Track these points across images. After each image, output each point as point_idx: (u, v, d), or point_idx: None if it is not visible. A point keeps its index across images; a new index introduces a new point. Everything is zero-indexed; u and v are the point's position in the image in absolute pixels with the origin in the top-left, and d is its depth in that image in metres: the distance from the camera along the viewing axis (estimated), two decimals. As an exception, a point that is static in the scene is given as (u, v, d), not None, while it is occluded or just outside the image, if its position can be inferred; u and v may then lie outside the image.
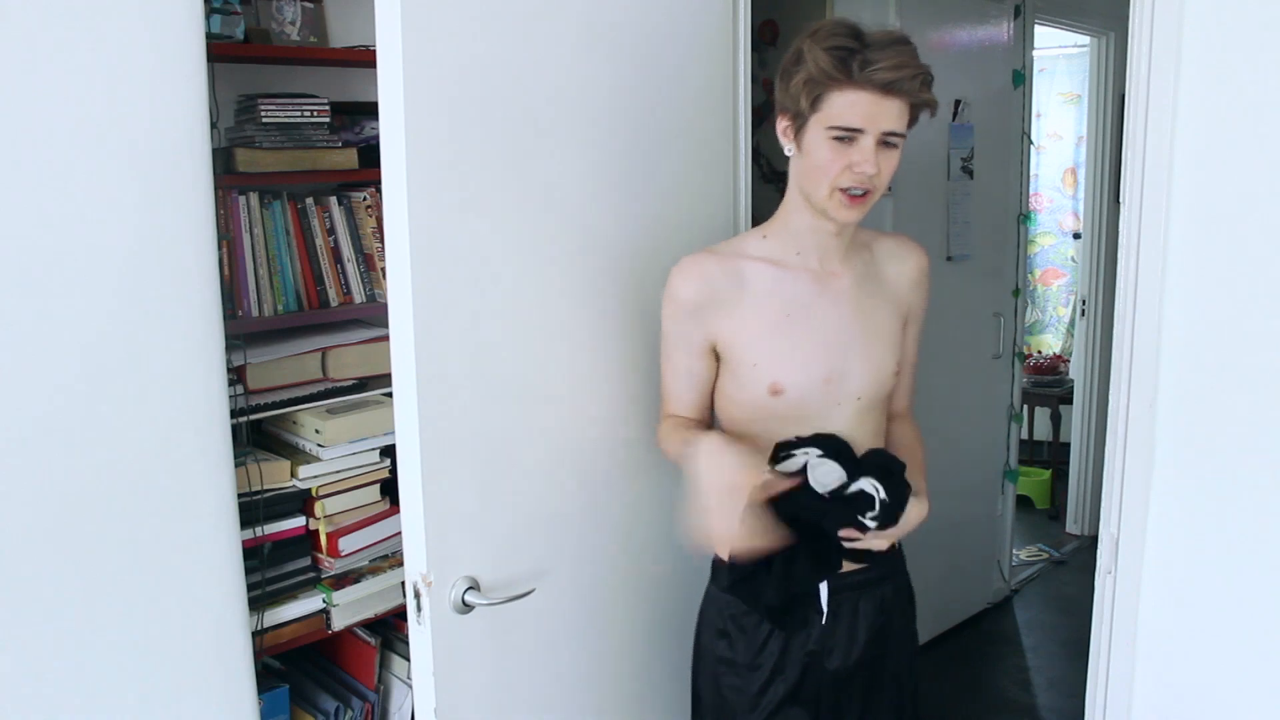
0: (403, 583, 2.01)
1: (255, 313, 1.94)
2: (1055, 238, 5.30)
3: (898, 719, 1.59)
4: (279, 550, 1.87)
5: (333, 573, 1.94)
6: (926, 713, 1.73)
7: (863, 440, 1.45)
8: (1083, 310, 4.35)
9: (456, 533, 1.37)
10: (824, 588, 1.48)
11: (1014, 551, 3.93)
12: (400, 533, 2.02)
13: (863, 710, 1.55)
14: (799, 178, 1.41)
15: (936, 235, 3.08)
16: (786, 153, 1.42)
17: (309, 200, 2.02)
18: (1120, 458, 1.55)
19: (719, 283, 1.43)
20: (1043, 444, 4.89)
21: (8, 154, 1.30)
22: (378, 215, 2.11)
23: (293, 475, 1.89)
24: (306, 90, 2.04)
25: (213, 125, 1.51)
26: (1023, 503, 4.45)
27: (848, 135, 1.33)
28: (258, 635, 1.77)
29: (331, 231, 2.06)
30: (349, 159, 2.05)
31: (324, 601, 1.92)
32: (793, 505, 1.34)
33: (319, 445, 1.90)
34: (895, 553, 1.56)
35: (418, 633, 1.35)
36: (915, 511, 1.41)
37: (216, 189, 1.53)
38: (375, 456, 2.00)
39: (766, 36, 3.30)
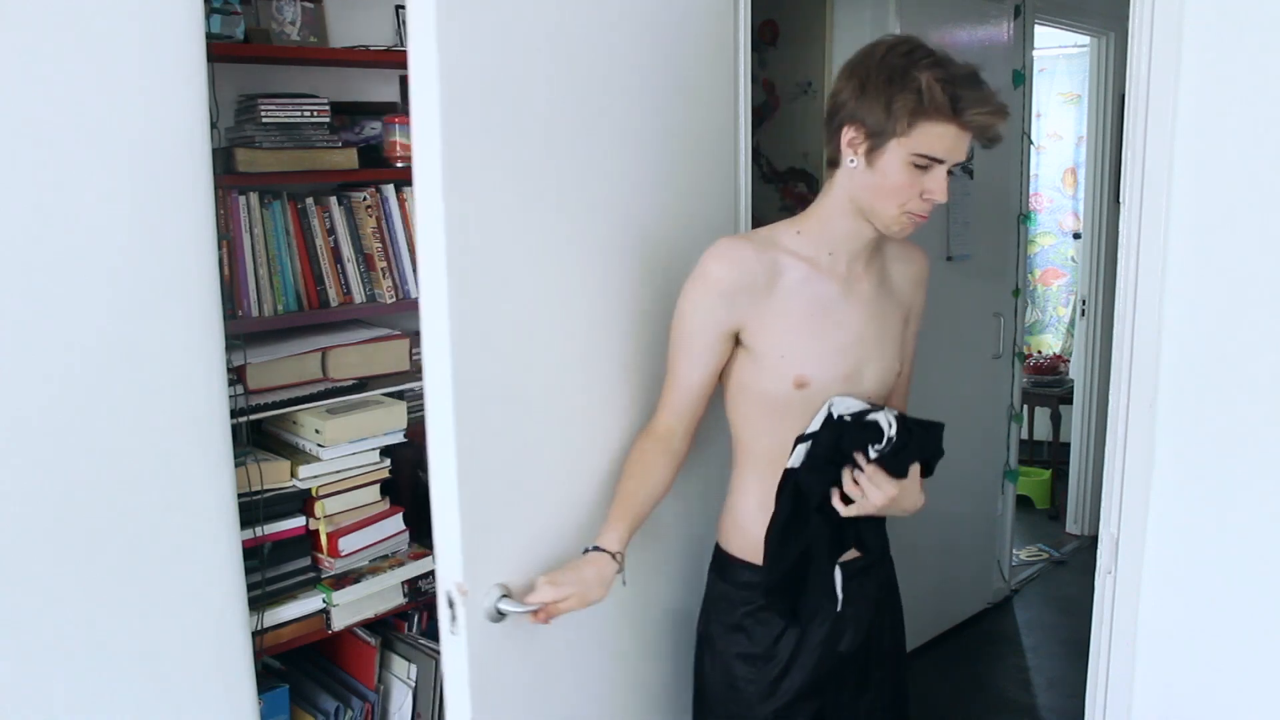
0: (403, 583, 2.02)
1: (255, 313, 1.94)
2: (1055, 238, 5.30)
3: (896, 692, 1.64)
4: (279, 550, 1.87)
5: (333, 573, 1.94)
6: (926, 713, 1.75)
7: None
8: (1083, 310, 4.35)
9: (489, 540, 1.34)
10: (839, 575, 1.51)
11: (1014, 551, 3.93)
12: (400, 533, 2.04)
13: (864, 687, 1.59)
14: (859, 190, 1.42)
15: (936, 235, 3.08)
16: (849, 163, 1.42)
17: (309, 200, 2.02)
18: (1120, 458, 1.55)
19: (755, 270, 1.44)
20: (1043, 444, 4.89)
21: (7, 154, 1.30)
22: (378, 215, 2.11)
23: (293, 475, 1.89)
24: (306, 90, 2.04)
25: (213, 125, 1.51)
26: (1023, 503, 4.45)
27: (928, 164, 1.36)
28: (258, 635, 1.77)
29: (331, 231, 2.06)
30: (349, 159, 2.05)
31: (324, 601, 1.92)
32: (823, 448, 1.42)
33: (319, 445, 1.90)
34: (883, 534, 1.59)
35: (452, 643, 1.30)
36: (912, 495, 1.43)
37: (216, 189, 1.53)
38: (375, 456, 2.00)
39: (766, 37, 3.30)
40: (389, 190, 2.14)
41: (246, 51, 1.94)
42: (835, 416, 1.42)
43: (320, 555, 1.93)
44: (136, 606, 1.47)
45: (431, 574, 2.06)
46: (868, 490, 1.40)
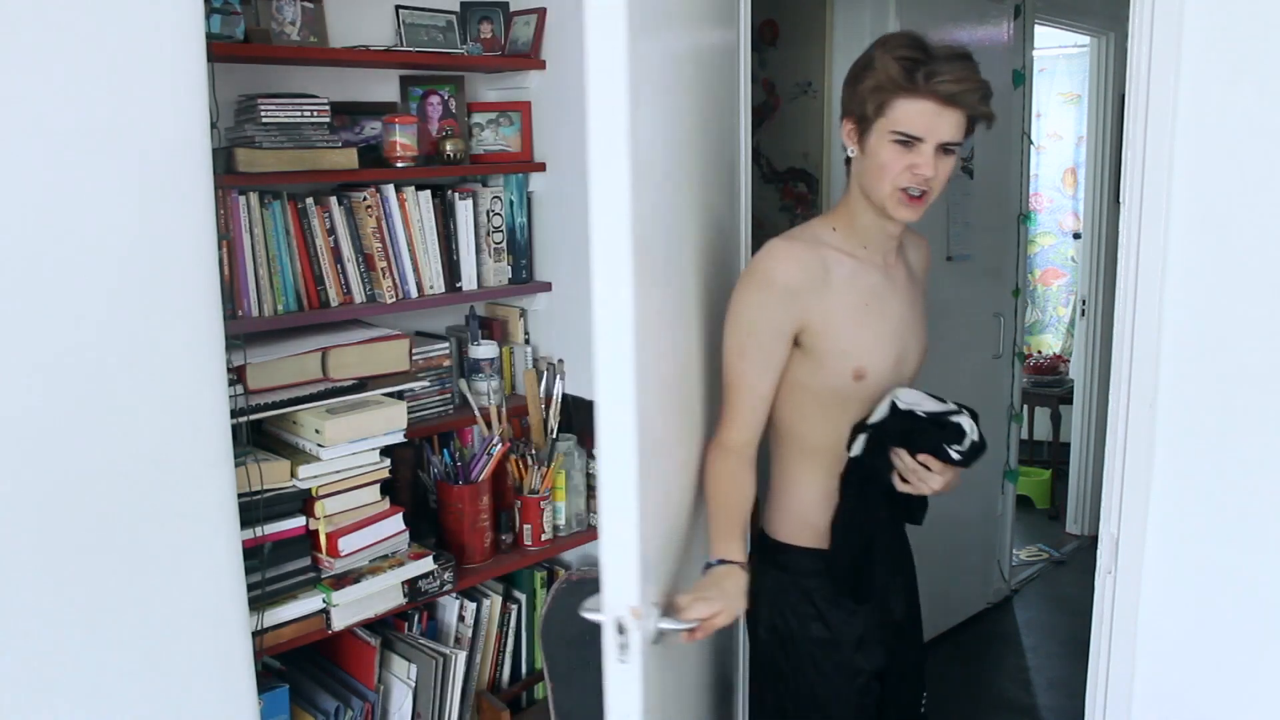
0: (403, 583, 2.02)
1: (255, 313, 1.94)
2: (1055, 238, 5.30)
3: (922, 648, 1.82)
4: (279, 550, 1.87)
5: (333, 573, 1.94)
6: (926, 713, 1.78)
7: None
8: (1083, 310, 4.35)
9: (649, 558, 1.28)
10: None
11: (1014, 551, 3.93)
12: (400, 533, 2.04)
13: (910, 647, 1.73)
14: (860, 177, 1.50)
15: (937, 235, 3.08)
16: (849, 154, 1.50)
17: (309, 200, 2.02)
18: (1120, 458, 1.55)
19: (812, 268, 1.48)
20: (1043, 444, 4.89)
21: (8, 154, 1.30)
22: (378, 215, 2.11)
23: (293, 475, 1.89)
24: (306, 90, 2.04)
25: (213, 125, 1.51)
26: (1023, 503, 4.45)
27: (909, 140, 1.43)
28: (258, 635, 1.77)
29: (331, 231, 2.06)
30: (349, 159, 2.05)
31: (324, 601, 1.92)
32: (887, 436, 1.50)
33: (319, 445, 1.90)
34: (926, 504, 1.68)
35: (622, 672, 1.21)
36: (956, 477, 1.53)
37: (216, 189, 1.53)
38: (375, 456, 1.99)
39: (766, 37, 3.30)
40: (389, 190, 2.14)
41: (246, 51, 1.94)
42: (902, 408, 1.50)
43: (320, 555, 1.93)
44: (136, 606, 1.46)
45: (431, 574, 2.06)
46: (927, 478, 1.49)
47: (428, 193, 2.22)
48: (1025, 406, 4.32)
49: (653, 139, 1.30)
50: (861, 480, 1.53)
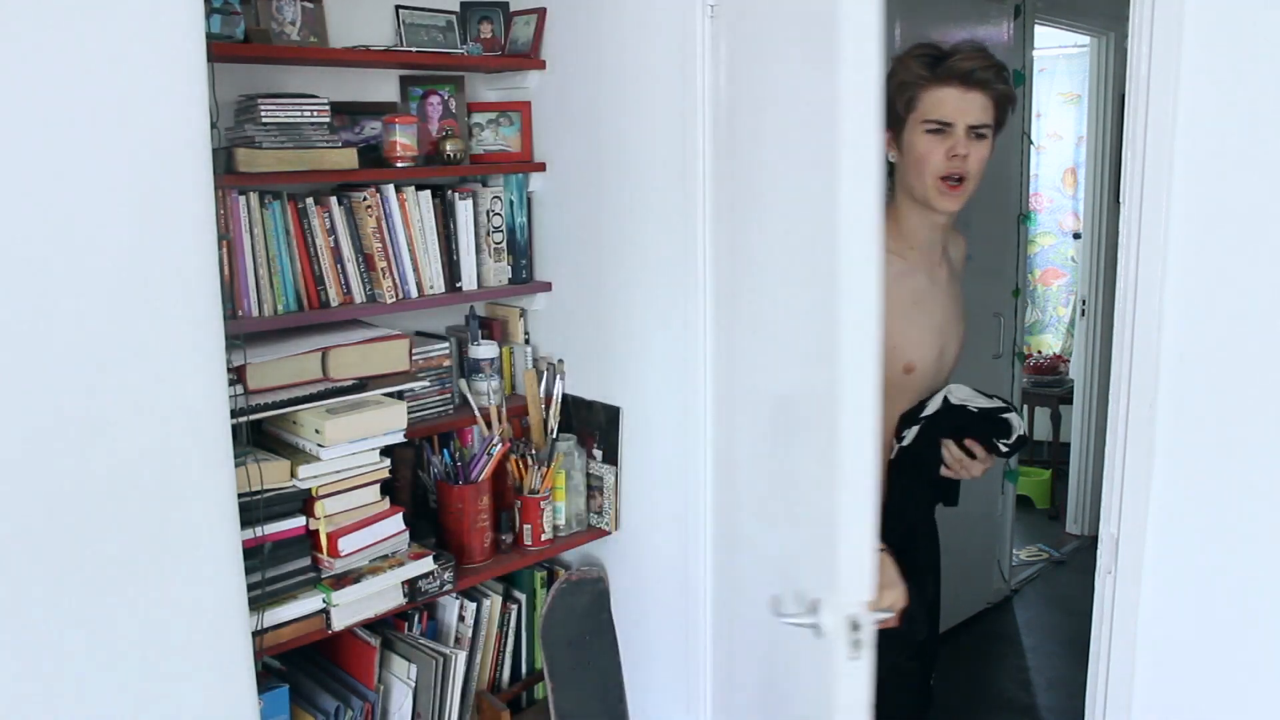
0: (403, 583, 2.02)
1: (255, 313, 1.94)
2: (1055, 238, 5.30)
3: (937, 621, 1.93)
4: (279, 550, 1.87)
5: (333, 573, 1.94)
6: (933, 686, 1.92)
7: None
8: (1083, 310, 4.35)
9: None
10: None
11: (1014, 551, 3.93)
12: (400, 533, 2.04)
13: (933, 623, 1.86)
14: (903, 176, 1.63)
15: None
16: (890, 159, 1.64)
17: (309, 200, 2.02)
18: (1120, 458, 1.55)
19: None
20: (1043, 444, 4.89)
21: (7, 154, 1.30)
22: (378, 215, 2.11)
23: (293, 475, 1.89)
24: (306, 90, 2.04)
25: (213, 125, 1.51)
26: (1023, 503, 4.45)
27: (941, 128, 1.56)
28: (258, 635, 1.77)
29: (331, 231, 2.06)
30: (349, 159, 2.05)
31: (324, 601, 1.92)
32: (938, 428, 1.67)
33: (319, 445, 1.90)
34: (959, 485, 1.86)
35: (854, 670, 1.22)
36: (990, 464, 1.71)
37: (216, 189, 1.53)
38: (375, 456, 1.99)
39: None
40: (389, 190, 2.14)
41: (246, 51, 1.94)
42: (955, 403, 1.68)
43: (320, 555, 1.93)
44: (136, 606, 1.46)
45: (431, 574, 2.06)
46: (970, 466, 1.68)
47: (428, 193, 2.22)
48: (1025, 406, 4.32)
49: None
50: (910, 467, 1.65)
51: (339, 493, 1.94)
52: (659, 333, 2.14)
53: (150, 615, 1.48)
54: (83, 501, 1.40)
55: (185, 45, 1.43)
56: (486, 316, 2.52)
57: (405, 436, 2.04)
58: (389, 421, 2.00)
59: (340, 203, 2.07)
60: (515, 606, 2.39)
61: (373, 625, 2.06)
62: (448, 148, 2.27)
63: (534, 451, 2.33)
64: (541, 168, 2.39)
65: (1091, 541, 4.10)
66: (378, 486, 2.02)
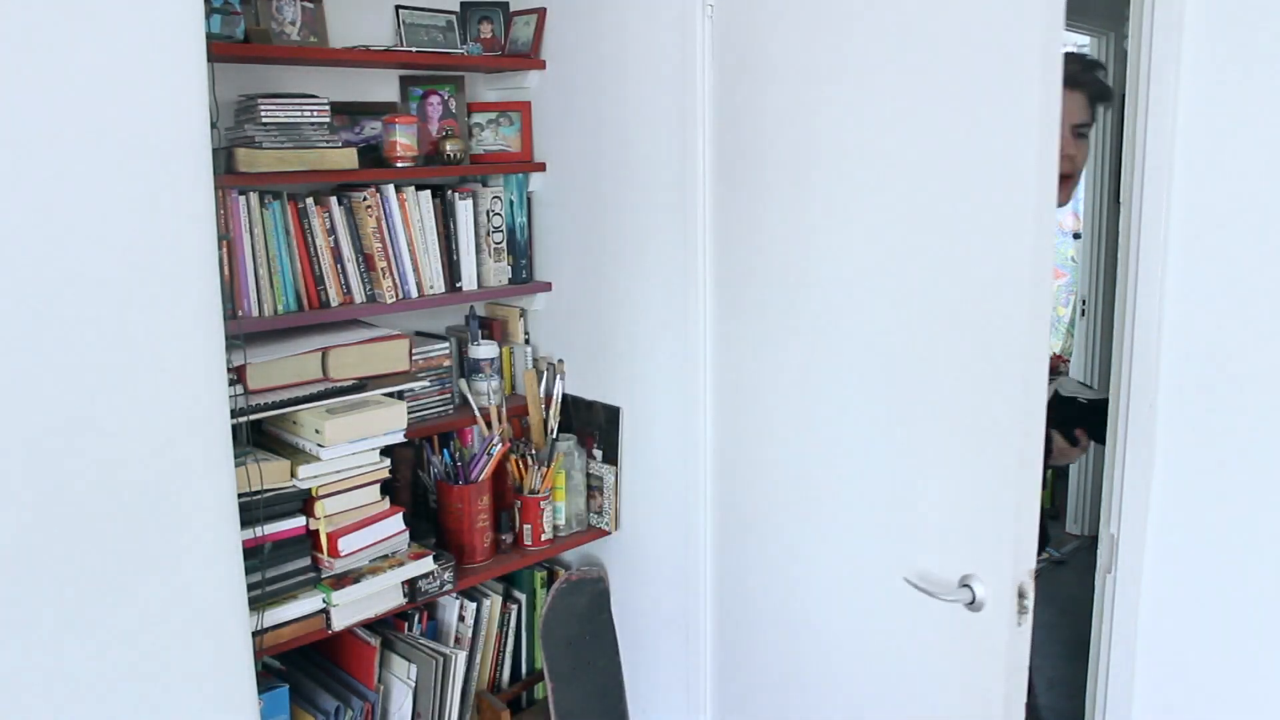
0: (403, 583, 2.02)
1: (255, 313, 1.94)
2: (1055, 238, 5.30)
3: None
4: (279, 550, 1.87)
5: (333, 573, 1.94)
6: None
7: None
8: (1083, 310, 4.35)
9: None
10: None
11: (1014, 551, 3.92)
12: (400, 533, 2.04)
13: None
14: None
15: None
16: None
17: (309, 200, 2.02)
18: (1120, 457, 1.55)
19: None
20: (1043, 444, 4.89)
21: (7, 154, 1.30)
22: (378, 215, 2.11)
23: (293, 475, 1.89)
24: (306, 90, 2.04)
25: (213, 125, 1.51)
26: (1023, 503, 4.44)
27: None
28: (258, 635, 1.77)
29: (331, 231, 2.06)
30: (349, 159, 2.05)
31: (324, 601, 1.92)
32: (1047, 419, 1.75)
33: (319, 445, 1.90)
34: None
35: (1017, 636, 1.40)
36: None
37: (216, 189, 1.53)
38: (375, 456, 1.99)
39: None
40: (389, 190, 2.14)
41: (246, 51, 1.94)
42: (1065, 395, 1.87)
43: (320, 555, 1.93)
44: (136, 606, 1.46)
45: (431, 574, 2.06)
46: (1071, 454, 1.87)
47: (428, 193, 2.22)
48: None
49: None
50: None
51: (339, 493, 1.94)
52: (659, 333, 2.14)
53: (150, 615, 1.48)
54: (82, 501, 1.40)
55: (185, 45, 1.43)
56: (486, 316, 2.52)
57: (405, 436, 2.04)
58: (389, 421, 2.00)
59: (340, 203, 2.07)
60: (515, 606, 2.39)
61: (373, 625, 2.06)
62: (448, 148, 2.27)
63: (534, 451, 2.33)
64: (541, 168, 2.39)
65: (1091, 541, 4.10)
66: (378, 486, 2.02)
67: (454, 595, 2.24)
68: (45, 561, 1.38)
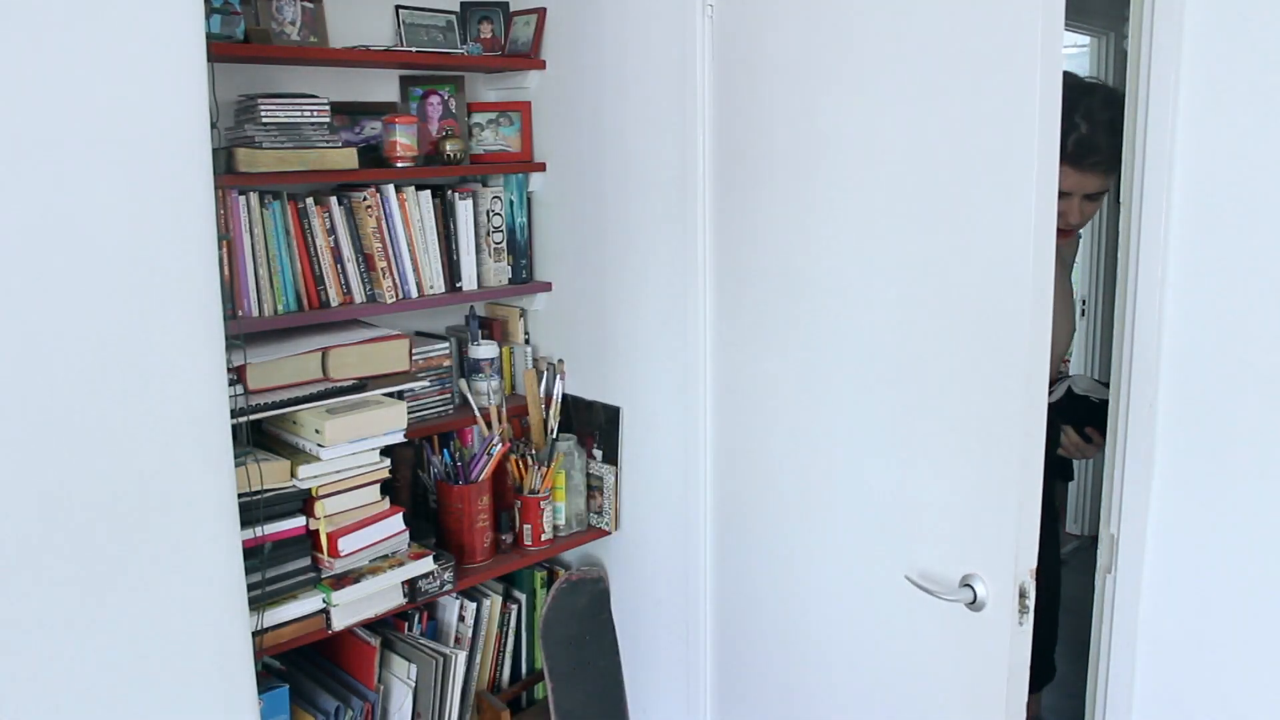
0: (403, 583, 2.02)
1: (255, 313, 1.94)
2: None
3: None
4: (279, 550, 1.87)
5: (333, 573, 1.94)
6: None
7: None
8: (1083, 310, 4.35)
9: None
10: None
11: (1014, 551, 3.92)
12: (400, 533, 2.04)
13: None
14: None
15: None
16: None
17: (309, 200, 2.02)
18: (1120, 457, 1.55)
19: None
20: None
21: (7, 154, 1.30)
22: (378, 215, 2.11)
23: (293, 475, 1.89)
24: (306, 90, 2.04)
25: (213, 125, 1.51)
26: (1023, 503, 4.44)
27: (1060, 194, 1.67)
28: (258, 635, 1.77)
29: (331, 231, 2.06)
30: (349, 159, 2.05)
31: (324, 601, 1.92)
32: (1061, 415, 1.95)
33: (319, 445, 1.90)
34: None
35: (1019, 635, 1.42)
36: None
37: (216, 189, 1.53)
38: (375, 456, 1.99)
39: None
40: (389, 190, 2.14)
41: (246, 51, 1.94)
42: (1079, 393, 1.93)
43: (320, 555, 1.93)
44: (136, 606, 1.46)
45: (431, 574, 2.06)
46: (1085, 449, 1.95)
47: (428, 193, 2.22)
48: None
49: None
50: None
51: (339, 493, 1.94)
52: (659, 332, 2.14)
53: (150, 615, 1.48)
54: (82, 501, 1.40)
55: (185, 45, 1.43)
56: (486, 316, 2.52)
57: (405, 436, 2.04)
58: (389, 421, 2.00)
59: (340, 203, 2.07)
60: (515, 606, 2.39)
61: (373, 625, 2.06)
62: (448, 148, 2.27)
63: (534, 451, 2.33)
64: (541, 168, 2.39)
65: (1091, 541, 4.10)
66: (378, 486, 2.02)
67: (454, 595, 2.24)
68: (45, 561, 1.38)
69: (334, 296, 2.06)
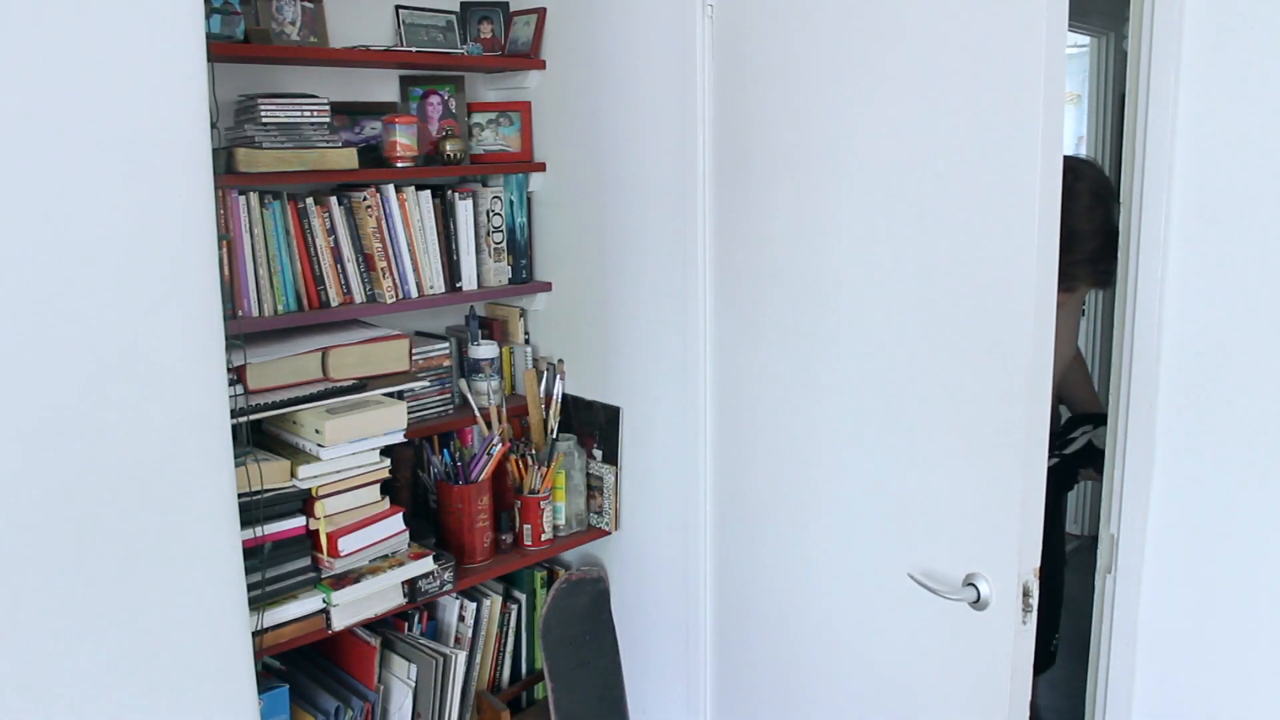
0: (403, 583, 2.02)
1: (255, 313, 1.94)
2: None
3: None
4: (279, 550, 1.87)
5: (333, 573, 1.94)
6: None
7: None
8: (1083, 310, 4.35)
9: None
10: None
11: (1014, 551, 3.92)
12: (400, 533, 2.04)
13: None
14: None
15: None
16: None
17: (309, 200, 2.02)
18: (1120, 457, 1.55)
19: None
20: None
21: (6, 154, 1.30)
22: (378, 215, 2.11)
23: (293, 475, 1.89)
24: (306, 90, 2.04)
25: (213, 125, 1.51)
26: (1023, 503, 4.44)
27: None
28: (258, 635, 1.77)
29: (331, 231, 2.06)
30: (349, 159, 2.05)
31: (324, 601, 1.92)
32: (1079, 462, 2.08)
33: (319, 445, 1.90)
34: None
35: (1023, 634, 1.43)
36: None
37: (216, 189, 1.53)
38: (375, 456, 1.99)
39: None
40: (389, 190, 2.14)
41: (246, 51, 1.94)
42: (1100, 448, 1.95)
43: (320, 555, 1.93)
44: (136, 606, 1.46)
45: (431, 574, 2.06)
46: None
47: (428, 193, 2.22)
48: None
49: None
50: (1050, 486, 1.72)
51: (339, 493, 1.94)
52: (659, 332, 2.14)
53: (150, 615, 1.48)
54: (82, 501, 1.40)
55: (185, 45, 1.43)
56: (486, 316, 2.52)
57: (405, 436, 2.04)
58: (389, 421, 2.00)
59: (340, 203, 2.07)
60: (515, 606, 2.39)
61: (373, 625, 2.06)
62: (448, 148, 2.27)
63: (534, 451, 2.33)
64: (541, 168, 2.39)
65: (1091, 541, 4.10)
66: (378, 486, 2.02)
67: (454, 595, 2.24)
68: (45, 561, 1.38)
69: (334, 296, 2.06)
